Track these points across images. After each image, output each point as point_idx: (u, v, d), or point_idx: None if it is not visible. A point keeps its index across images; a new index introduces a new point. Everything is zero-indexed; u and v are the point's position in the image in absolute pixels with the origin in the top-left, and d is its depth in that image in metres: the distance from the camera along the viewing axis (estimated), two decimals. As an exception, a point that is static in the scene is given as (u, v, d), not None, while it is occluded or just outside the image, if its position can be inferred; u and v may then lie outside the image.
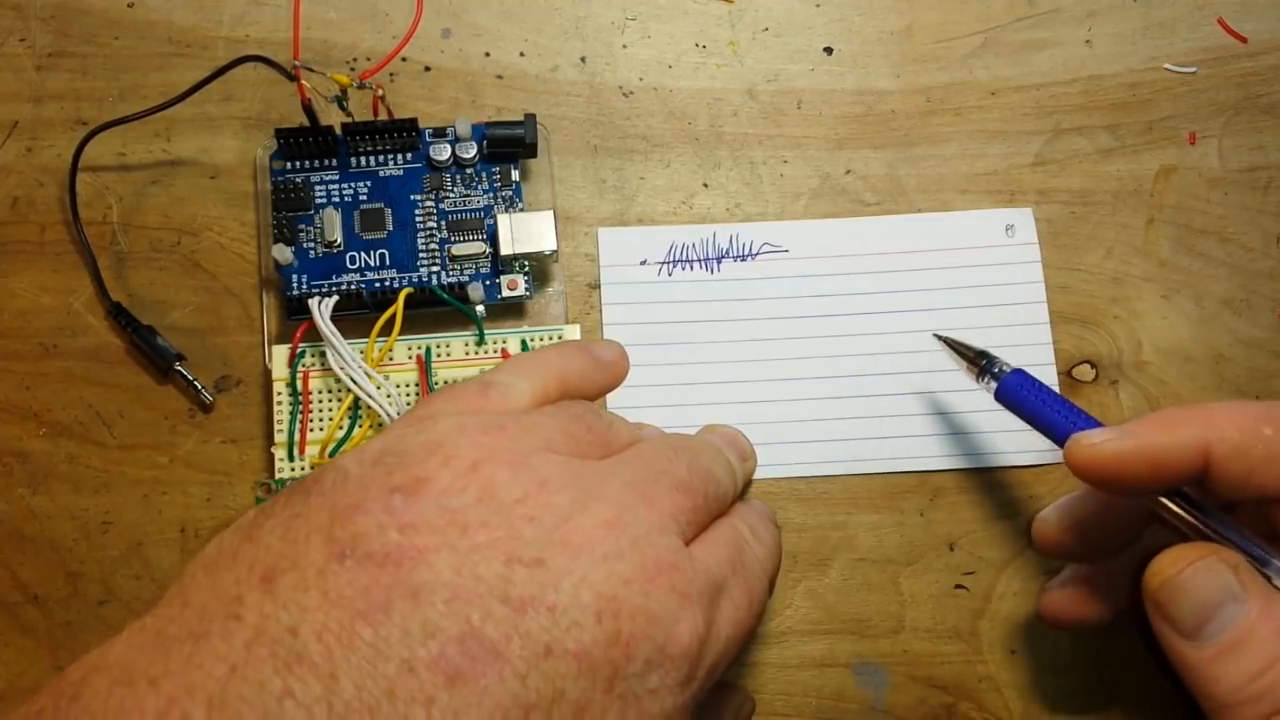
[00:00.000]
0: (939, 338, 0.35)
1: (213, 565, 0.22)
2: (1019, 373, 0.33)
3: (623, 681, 0.22)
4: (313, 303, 0.36)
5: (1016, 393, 0.32)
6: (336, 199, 0.38)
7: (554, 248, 0.37)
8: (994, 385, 0.33)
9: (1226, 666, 0.25)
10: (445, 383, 0.36)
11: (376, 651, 0.20)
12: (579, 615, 0.21)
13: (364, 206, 0.38)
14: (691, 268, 0.39)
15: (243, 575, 0.21)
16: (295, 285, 0.37)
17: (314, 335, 0.36)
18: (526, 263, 0.37)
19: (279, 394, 0.36)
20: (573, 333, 0.37)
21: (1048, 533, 0.32)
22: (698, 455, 0.27)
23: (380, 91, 0.37)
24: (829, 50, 0.41)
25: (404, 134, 0.37)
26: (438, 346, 0.37)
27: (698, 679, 0.23)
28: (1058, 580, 0.33)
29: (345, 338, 0.35)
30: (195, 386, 0.37)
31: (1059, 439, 0.30)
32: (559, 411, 0.26)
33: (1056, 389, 0.38)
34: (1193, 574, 0.26)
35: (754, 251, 0.39)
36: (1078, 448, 0.28)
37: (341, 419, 0.36)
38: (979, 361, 0.33)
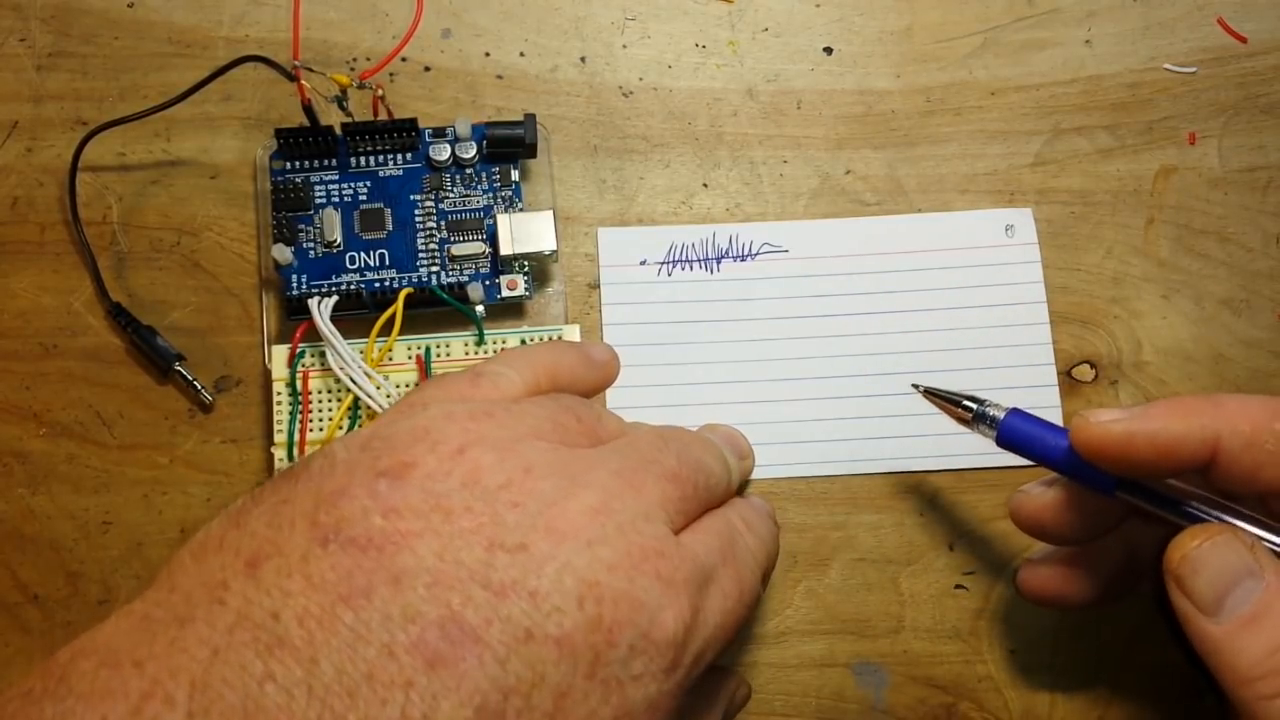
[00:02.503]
0: (919, 389, 0.33)
1: (200, 551, 0.22)
2: (1016, 413, 0.30)
3: (605, 667, 0.22)
4: (312, 303, 0.36)
5: (1019, 435, 0.30)
6: (336, 199, 0.38)
7: (554, 248, 0.37)
8: (991, 432, 0.31)
9: (1245, 641, 0.25)
10: (445, 383, 0.36)
11: (357, 635, 0.20)
12: (561, 600, 0.22)
13: (364, 206, 0.38)
14: (691, 268, 0.39)
15: (228, 561, 0.22)
16: (295, 285, 0.37)
17: (314, 335, 0.36)
18: (526, 263, 0.37)
19: (279, 394, 0.36)
20: (572, 333, 0.37)
21: (1027, 507, 0.31)
22: (688, 445, 0.27)
23: (380, 91, 0.37)
24: (829, 50, 0.41)
25: (404, 134, 0.37)
26: (437, 346, 0.37)
27: (683, 666, 0.23)
28: (1040, 554, 0.33)
29: (345, 338, 0.35)
30: (195, 386, 0.37)
31: (1074, 475, 0.29)
32: (548, 401, 0.27)
33: (1056, 389, 0.38)
34: (1211, 548, 0.26)
35: (754, 251, 0.39)
36: (1086, 424, 0.27)
37: (341, 419, 0.36)
38: (970, 408, 0.31)
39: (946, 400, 0.32)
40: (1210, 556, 0.26)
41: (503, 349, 0.37)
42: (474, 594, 0.21)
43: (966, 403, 0.31)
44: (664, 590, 0.23)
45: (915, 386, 0.33)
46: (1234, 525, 0.27)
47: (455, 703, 0.20)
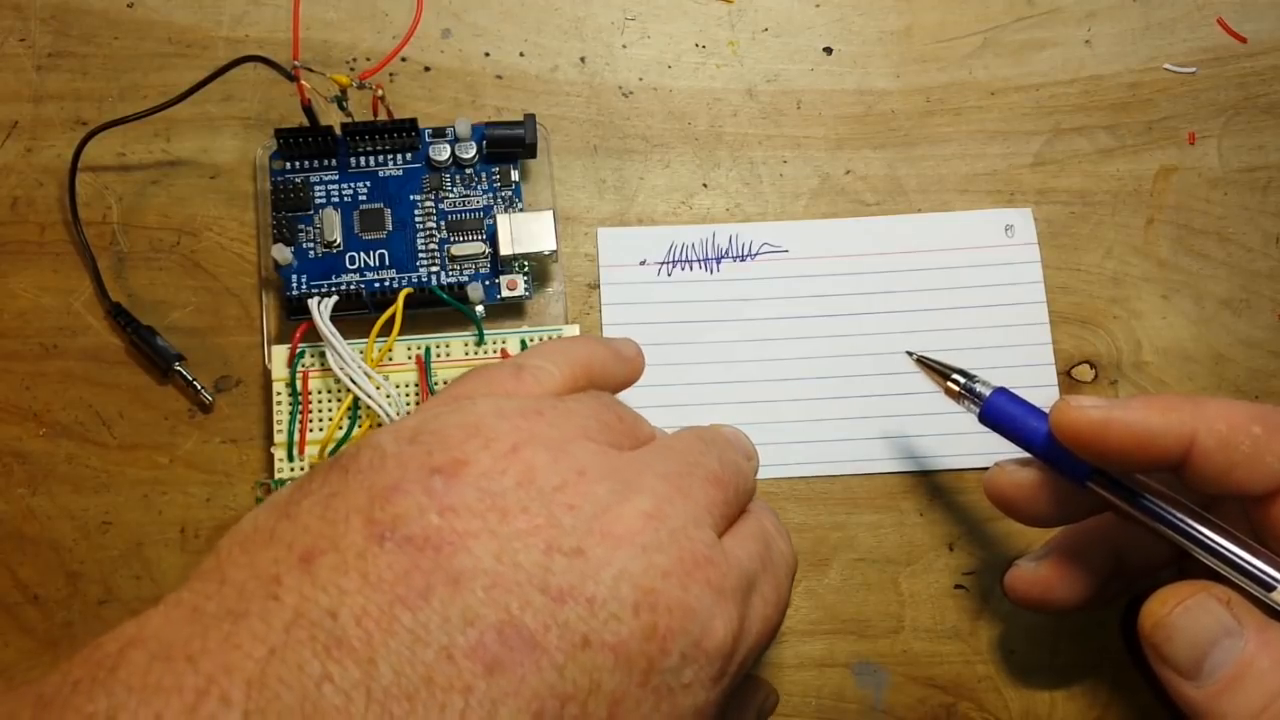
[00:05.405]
0: (913, 356, 0.33)
1: (249, 542, 0.22)
2: (1002, 392, 0.31)
3: (658, 675, 0.22)
4: (312, 303, 0.36)
5: (1002, 414, 0.30)
6: (336, 199, 0.38)
7: (553, 248, 0.37)
8: (976, 408, 0.31)
9: (1229, 703, 0.25)
10: (445, 383, 0.36)
11: (416, 638, 0.20)
12: (617, 608, 0.21)
13: (363, 206, 0.38)
14: (691, 268, 0.39)
15: (281, 555, 0.21)
16: (295, 285, 0.37)
17: (314, 335, 0.36)
18: (526, 263, 0.37)
19: (279, 394, 0.36)
20: (572, 333, 0.37)
21: (1000, 481, 0.31)
22: (725, 449, 0.27)
23: (380, 91, 0.37)
24: (829, 50, 0.41)
25: (404, 134, 0.37)
26: (437, 347, 0.37)
27: (730, 674, 0.23)
28: (1029, 558, 0.33)
29: (345, 338, 0.35)
30: (195, 386, 0.37)
31: (1050, 460, 0.29)
32: (590, 400, 0.26)
33: (1056, 389, 0.38)
34: (1184, 612, 0.26)
35: (754, 251, 0.39)
36: (1066, 408, 0.27)
37: (341, 419, 0.36)
38: (958, 381, 0.31)
39: (937, 370, 0.32)
40: (1183, 621, 0.26)
41: (503, 349, 0.37)
42: (532, 598, 0.21)
43: (956, 375, 0.32)
44: (715, 599, 0.23)
45: (909, 354, 0.33)
46: (1207, 583, 0.27)
47: (513, 709, 0.20)
